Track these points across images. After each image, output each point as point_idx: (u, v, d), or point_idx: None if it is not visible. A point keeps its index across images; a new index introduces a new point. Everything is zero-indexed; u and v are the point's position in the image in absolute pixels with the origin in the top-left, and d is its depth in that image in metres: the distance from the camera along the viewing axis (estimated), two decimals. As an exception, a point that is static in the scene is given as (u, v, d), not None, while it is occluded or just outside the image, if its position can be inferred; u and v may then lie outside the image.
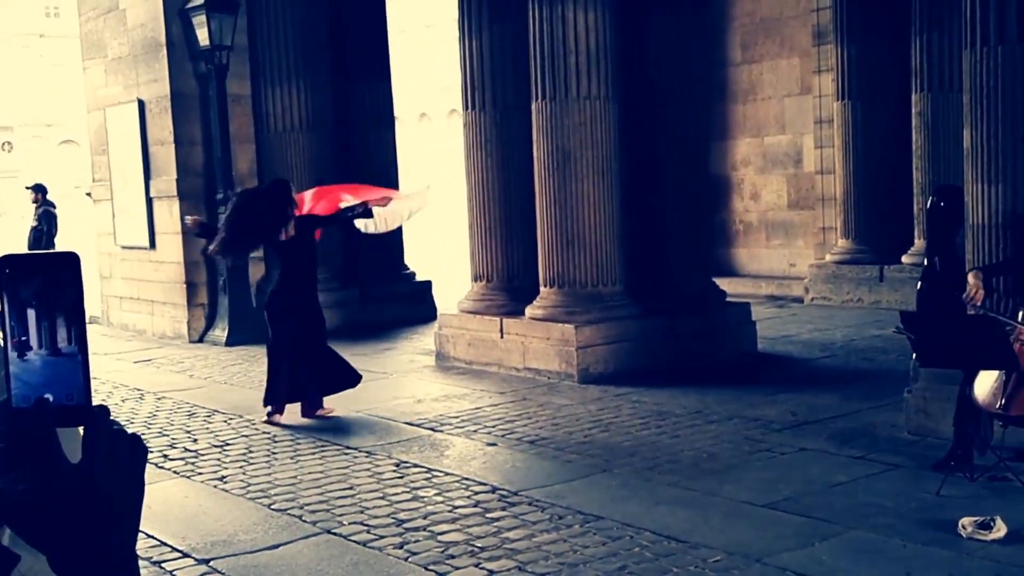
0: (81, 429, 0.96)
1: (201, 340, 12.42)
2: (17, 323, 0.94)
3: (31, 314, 0.94)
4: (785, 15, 14.94)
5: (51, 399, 0.94)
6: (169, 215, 12.62)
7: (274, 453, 7.20)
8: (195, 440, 7.68)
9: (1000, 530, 4.94)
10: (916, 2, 12.00)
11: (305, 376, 8.08)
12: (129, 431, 0.97)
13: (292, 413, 8.15)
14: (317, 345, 8.15)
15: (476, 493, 6.07)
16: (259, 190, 8.51)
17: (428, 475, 6.49)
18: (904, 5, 12.28)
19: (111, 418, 0.96)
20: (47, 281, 0.94)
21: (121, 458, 0.96)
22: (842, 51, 13.20)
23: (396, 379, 9.86)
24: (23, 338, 0.94)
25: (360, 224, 8.58)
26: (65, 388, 0.94)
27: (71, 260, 0.95)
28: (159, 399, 9.26)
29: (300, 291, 8.04)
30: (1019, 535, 4.94)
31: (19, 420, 0.93)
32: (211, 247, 8.28)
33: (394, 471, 6.62)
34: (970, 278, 6.21)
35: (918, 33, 12.03)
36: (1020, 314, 6.05)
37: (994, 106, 6.40)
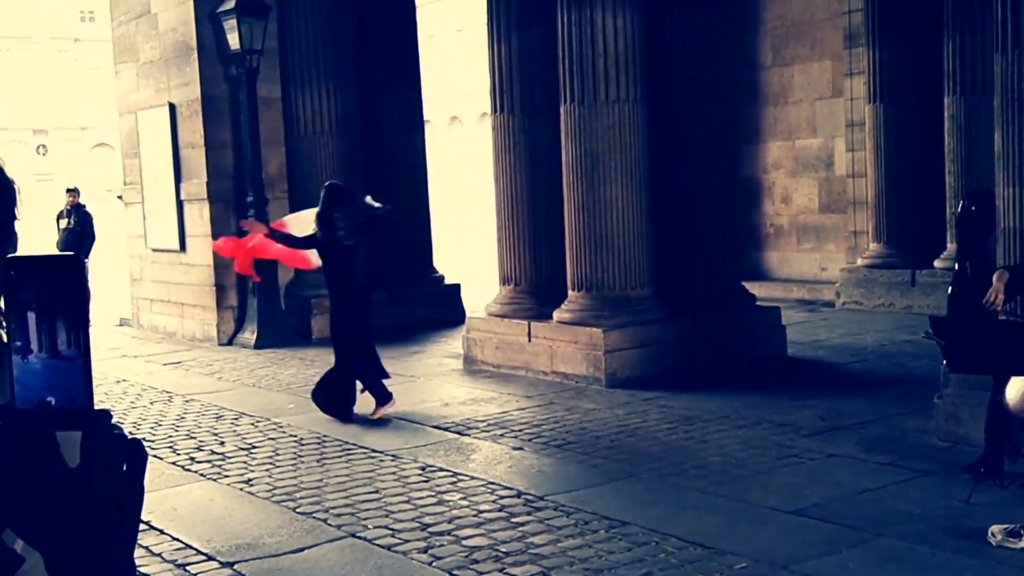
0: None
1: (230, 343, 12.47)
2: (19, 325, 0.94)
3: (32, 317, 0.94)
4: (816, 18, 14.84)
5: (53, 402, 0.94)
6: (199, 218, 12.70)
7: (300, 456, 7.22)
8: (222, 443, 7.72)
9: (1031, 539, 4.88)
10: (948, 4, 11.87)
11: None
12: (130, 436, 0.97)
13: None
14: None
15: (502, 497, 6.06)
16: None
17: (454, 479, 6.48)
18: (936, 7, 12.15)
19: (112, 422, 0.96)
20: (50, 284, 0.95)
21: (119, 462, 0.96)
22: (873, 54, 13.08)
23: (424, 382, 9.87)
24: (25, 340, 0.94)
25: None
26: (67, 391, 0.94)
27: (74, 263, 0.96)
28: (187, 401, 9.31)
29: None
30: (1050, 544, 4.88)
31: (18, 421, 0.93)
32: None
33: (420, 475, 6.62)
34: (994, 279, 6.13)
35: (950, 35, 11.90)
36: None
37: (1026, 109, 6.33)
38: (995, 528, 4.98)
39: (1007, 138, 6.47)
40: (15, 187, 1.36)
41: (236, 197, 12.50)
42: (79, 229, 16.95)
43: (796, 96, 15.25)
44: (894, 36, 12.86)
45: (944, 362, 6.50)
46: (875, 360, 10.01)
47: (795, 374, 9.48)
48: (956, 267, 8.17)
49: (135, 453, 0.98)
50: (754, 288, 10.91)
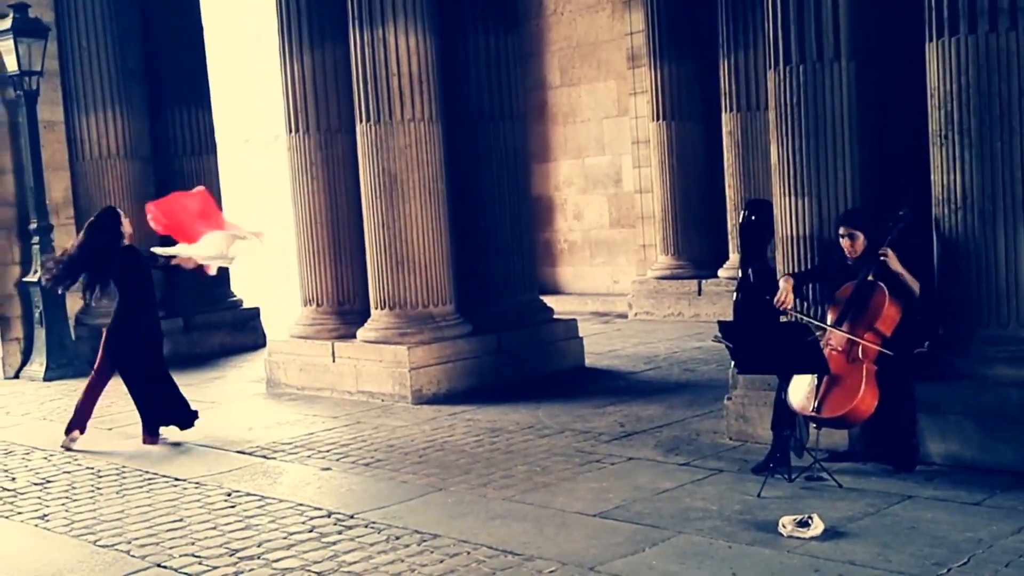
0: None
1: (17, 376, 11.94)
2: None
3: None
4: (600, 39, 15.37)
5: None
6: (-22, 247, 12.08)
7: (99, 488, 6.96)
8: (13, 479, 7.35)
9: (817, 527, 5.19)
10: (723, 24, 12.52)
11: (161, 402, 8.25)
12: None
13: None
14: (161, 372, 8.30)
15: (311, 518, 6.01)
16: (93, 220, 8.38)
17: (261, 503, 6.39)
18: (712, 28, 12.80)
19: None
20: None
21: None
22: (655, 73, 13.66)
23: (225, 408, 9.66)
24: None
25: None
26: None
27: None
28: (-29, 439, 8.82)
29: (140, 318, 8.13)
30: (835, 531, 5.21)
31: None
32: (44, 277, 8.59)
33: (225, 501, 6.49)
34: (781, 283, 6.54)
35: (726, 55, 12.55)
36: (828, 318, 6.40)
37: (798, 122, 6.76)
38: (785, 519, 5.28)
39: (782, 150, 6.89)
40: None
41: (19, 225, 12.01)
42: None
43: (584, 115, 15.73)
44: (674, 56, 13.47)
45: (732, 364, 6.87)
46: (668, 367, 10.42)
47: (594, 383, 9.76)
48: (740, 275, 8.65)
49: None
50: (551, 302, 11.19)
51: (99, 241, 8.05)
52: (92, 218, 8.38)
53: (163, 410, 8.24)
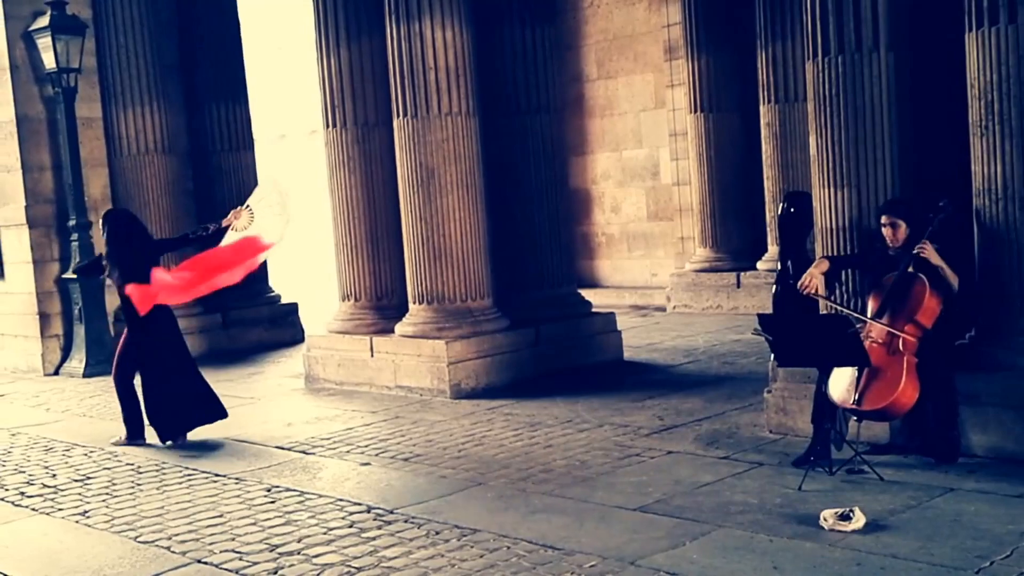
0: None
1: (57, 372, 12.05)
2: None
3: None
4: (637, 32, 15.30)
5: None
6: (19, 244, 12.19)
7: (139, 484, 7.01)
8: (54, 475, 7.42)
9: (859, 520, 5.13)
10: (760, 16, 12.43)
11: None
12: None
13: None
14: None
15: (351, 513, 6.02)
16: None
17: (301, 498, 6.41)
18: (749, 19, 12.72)
19: None
20: None
21: None
22: (693, 65, 13.59)
23: (264, 403, 9.71)
24: None
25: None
26: None
27: None
28: (13, 435, 8.90)
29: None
30: (877, 524, 5.16)
31: None
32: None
33: (265, 496, 6.51)
34: (812, 267, 6.49)
35: (763, 46, 12.46)
36: (869, 310, 6.34)
37: (837, 113, 6.68)
38: (827, 513, 5.23)
39: (821, 142, 6.81)
40: None
41: (58, 221, 12.11)
42: None
43: (622, 108, 15.67)
44: (711, 48, 13.39)
45: (772, 357, 6.81)
46: (707, 360, 10.36)
47: (633, 376, 9.72)
48: (779, 267, 8.58)
49: None
50: (588, 295, 11.16)
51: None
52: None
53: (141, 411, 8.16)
